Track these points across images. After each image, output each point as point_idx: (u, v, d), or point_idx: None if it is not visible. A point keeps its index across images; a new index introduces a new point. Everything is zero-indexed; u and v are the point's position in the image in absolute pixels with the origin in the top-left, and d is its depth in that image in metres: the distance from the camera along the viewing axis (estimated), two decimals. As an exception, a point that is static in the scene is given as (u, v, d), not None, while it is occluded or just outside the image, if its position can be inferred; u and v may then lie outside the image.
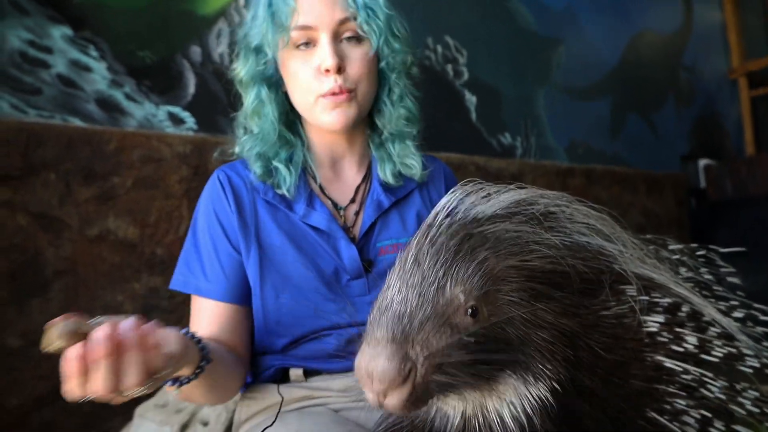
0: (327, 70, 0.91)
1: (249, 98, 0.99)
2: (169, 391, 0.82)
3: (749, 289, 0.81)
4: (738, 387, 0.71)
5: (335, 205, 1.02)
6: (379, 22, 0.95)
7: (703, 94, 4.37)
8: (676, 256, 0.82)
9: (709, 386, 0.69)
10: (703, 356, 0.70)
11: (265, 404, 0.96)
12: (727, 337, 0.72)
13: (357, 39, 0.95)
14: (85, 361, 0.58)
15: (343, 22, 0.93)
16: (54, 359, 0.62)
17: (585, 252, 0.66)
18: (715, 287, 0.81)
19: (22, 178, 1.35)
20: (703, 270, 0.82)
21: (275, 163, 0.98)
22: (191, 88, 1.75)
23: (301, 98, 0.96)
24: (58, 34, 1.50)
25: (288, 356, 0.96)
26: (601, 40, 3.47)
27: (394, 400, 0.54)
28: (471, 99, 2.65)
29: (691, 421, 0.67)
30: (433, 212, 0.65)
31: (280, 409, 0.93)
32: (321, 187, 1.02)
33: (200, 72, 1.77)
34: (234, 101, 1.05)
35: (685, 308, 0.73)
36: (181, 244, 1.00)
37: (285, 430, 0.85)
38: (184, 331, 0.75)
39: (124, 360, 0.60)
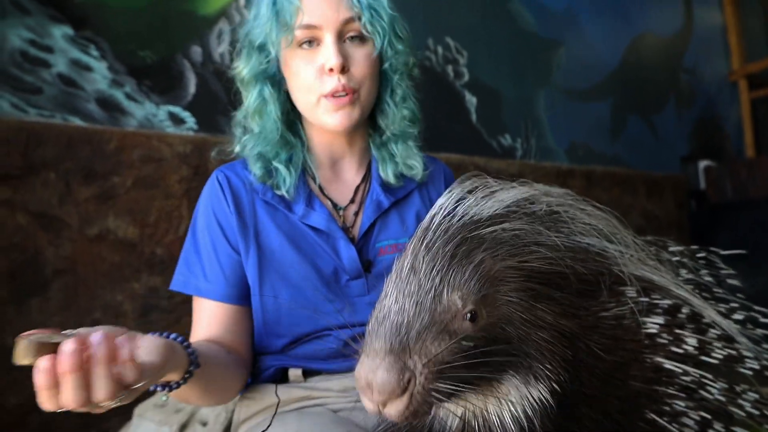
0: (331, 70, 0.91)
1: (251, 97, 0.99)
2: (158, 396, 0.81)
3: (749, 291, 0.81)
4: (738, 389, 0.71)
5: (335, 205, 1.01)
6: (383, 22, 0.95)
7: (703, 95, 4.37)
8: (676, 258, 0.83)
9: (708, 388, 0.69)
10: (703, 358, 0.70)
11: (264, 404, 0.96)
12: (727, 339, 0.72)
13: (361, 39, 0.95)
14: (54, 374, 0.57)
15: (348, 21, 0.92)
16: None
17: (585, 253, 0.66)
18: (715, 289, 0.81)
19: (22, 178, 1.35)
20: (703, 272, 0.82)
21: (275, 163, 0.97)
22: (192, 88, 1.75)
23: (303, 98, 0.96)
24: (59, 33, 1.50)
25: (287, 356, 0.96)
26: (601, 42, 3.47)
27: (394, 410, 0.54)
28: (471, 100, 2.65)
29: (691, 422, 0.67)
30: (429, 215, 0.64)
31: (276, 411, 0.92)
32: (320, 188, 1.02)
33: (201, 72, 1.77)
34: (234, 101, 1.05)
35: (685, 310, 0.73)
36: (180, 244, 1.00)
37: (284, 430, 0.85)
38: (173, 336, 0.74)
39: (93, 374, 0.58)
